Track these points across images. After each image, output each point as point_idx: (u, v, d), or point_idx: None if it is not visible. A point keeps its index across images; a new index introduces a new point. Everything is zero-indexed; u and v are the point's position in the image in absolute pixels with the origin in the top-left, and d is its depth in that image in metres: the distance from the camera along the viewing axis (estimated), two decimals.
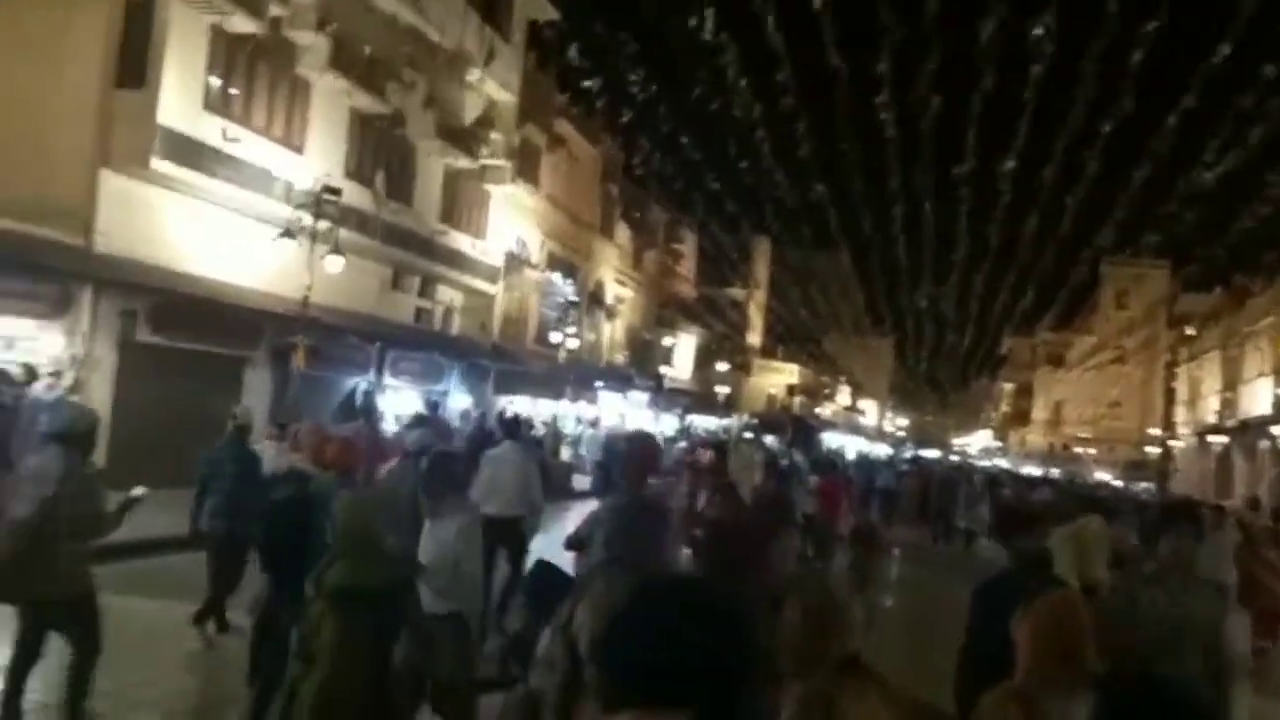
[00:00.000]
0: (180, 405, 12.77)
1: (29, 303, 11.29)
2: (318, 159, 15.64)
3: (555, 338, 23.60)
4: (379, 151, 17.51)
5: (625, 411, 30.95)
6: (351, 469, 6.25)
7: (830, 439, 52.78)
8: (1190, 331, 48.33)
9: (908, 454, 54.21)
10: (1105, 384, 65.15)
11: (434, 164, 19.37)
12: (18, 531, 4.58)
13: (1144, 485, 44.50)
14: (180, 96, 13.17)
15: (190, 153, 13.21)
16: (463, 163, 20.13)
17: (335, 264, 13.58)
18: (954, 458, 64.36)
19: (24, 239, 11.20)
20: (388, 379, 18.34)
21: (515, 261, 22.82)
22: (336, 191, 13.12)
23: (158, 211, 13.33)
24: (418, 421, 10.62)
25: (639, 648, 1.25)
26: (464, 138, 20.21)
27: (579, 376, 26.41)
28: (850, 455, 38.79)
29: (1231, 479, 35.32)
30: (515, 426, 10.29)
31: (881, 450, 55.46)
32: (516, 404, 23.44)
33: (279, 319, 14.24)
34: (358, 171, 17.08)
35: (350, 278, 17.42)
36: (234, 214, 14.38)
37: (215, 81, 13.82)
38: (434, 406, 17.86)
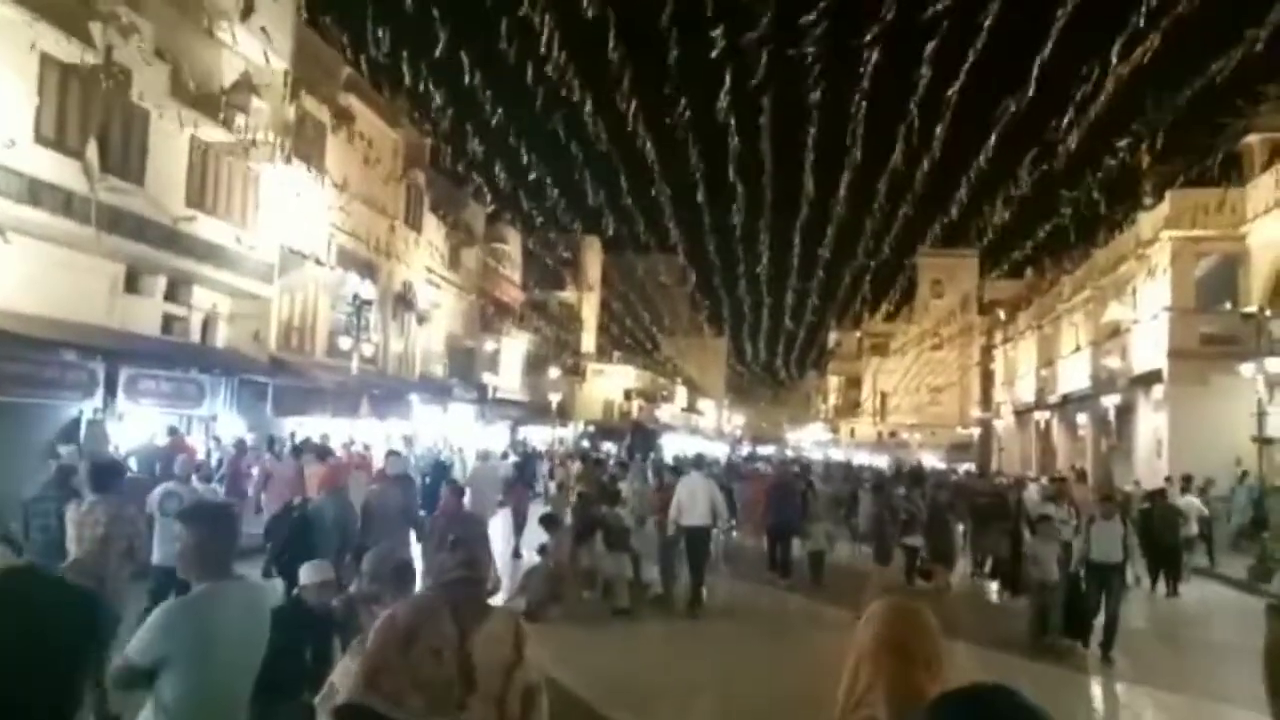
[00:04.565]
0: None
1: None
2: None
3: (345, 343, 20.13)
4: (89, 113, 13.67)
5: (447, 427, 27.75)
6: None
7: (670, 441, 51.32)
8: (1002, 315, 50.31)
9: (744, 452, 53.43)
10: (926, 371, 67.43)
11: (174, 134, 15.59)
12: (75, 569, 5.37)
13: (966, 466, 45.52)
14: None
15: None
16: (215, 135, 16.47)
17: None
18: (789, 453, 64.55)
19: None
20: (123, 403, 14.59)
21: (294, 258, 19.24)
22: None
23: None
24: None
25: None
26: (216, 105, 16.59)
27: (386, 390, 23.06)
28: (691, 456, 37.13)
29: (1054, 452, 36.21)
30: (700, 461, 13.69)
31: (720, 449, 54.44)
32: (306, 425, 19.90)
33: None
34: (57, 138, 13.20)
35: (58, 276, 13.56)
36: None
37: None
38: (172, 431, 14.32)
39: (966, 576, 14.14)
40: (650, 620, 10.89)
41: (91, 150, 13.50)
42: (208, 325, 17.99)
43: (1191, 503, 15.55)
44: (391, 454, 14.98)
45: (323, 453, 15.94)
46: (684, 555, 11.65)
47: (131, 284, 15.70)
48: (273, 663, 3.94)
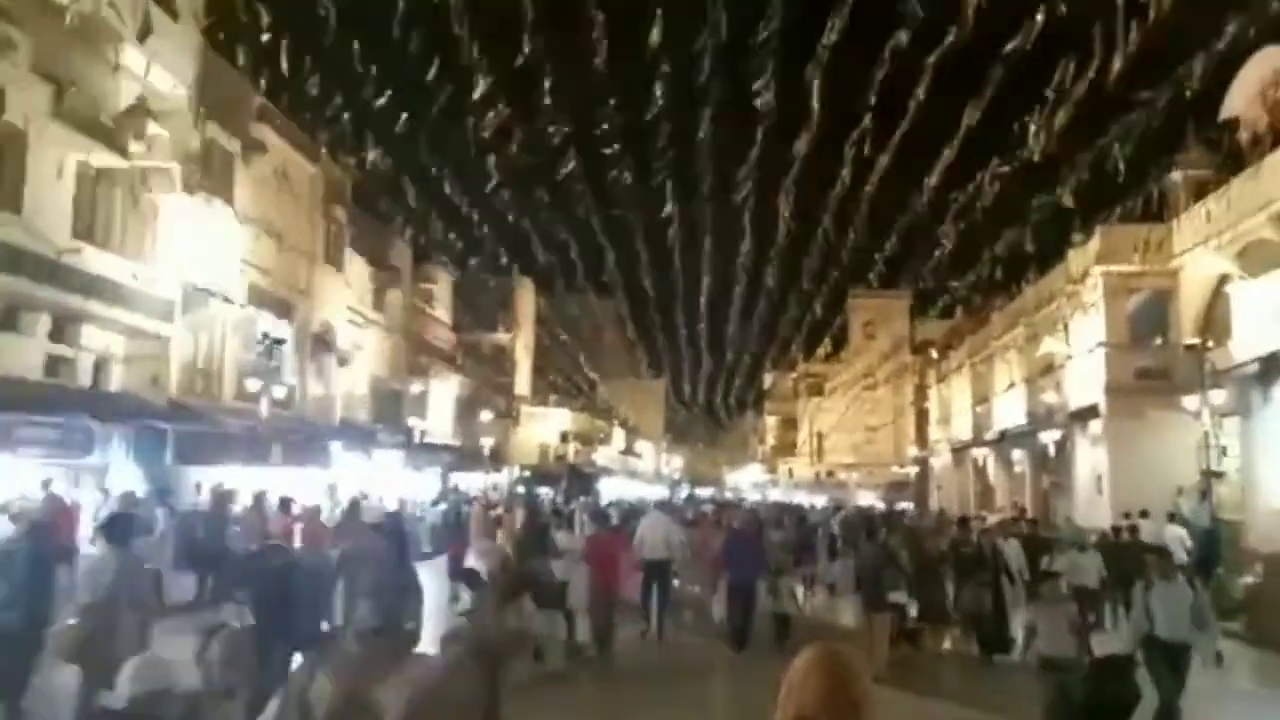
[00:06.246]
0: None
1: None
2: None
3: (252, 386, 18.68)
4: None
5: (372, 474, 26.19)
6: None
7: (607, 485, 50.09)
8: (934, 354, 50.78)
9: (684, 494, 52.41)
10: (862, 411, 67.69)
11: (56, 159, 14.26)
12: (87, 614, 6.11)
13: (904, 505, 45.31)
14: None
15: None
16: (107, 161, 15.17)
17: None
18: (728, 494, 63.72)
19: None
20: None
21: (199, 295, 17.84)
22: None
23: None
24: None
25: None
26: (109, 130, 15.31)
27: (303, 436, 21.57)
28: (631, 500, 36.02)
29: (993, 490, 36.15)
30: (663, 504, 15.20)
31: (659, 492, 53.33)
32: (215, 475, 18.30)
33: None
34: None
35: None
36: None
37: None
38: (46, 485, 12.90)
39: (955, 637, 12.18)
40: (586, 686, 9.81)
41: None
42: (100, 368, 16.46)
43: (1175, 533, 14.87)
44: (354, 503, 14.29)
45: (285, 502, 15.15)
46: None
47: (8, 322, 14.19)
48: None
